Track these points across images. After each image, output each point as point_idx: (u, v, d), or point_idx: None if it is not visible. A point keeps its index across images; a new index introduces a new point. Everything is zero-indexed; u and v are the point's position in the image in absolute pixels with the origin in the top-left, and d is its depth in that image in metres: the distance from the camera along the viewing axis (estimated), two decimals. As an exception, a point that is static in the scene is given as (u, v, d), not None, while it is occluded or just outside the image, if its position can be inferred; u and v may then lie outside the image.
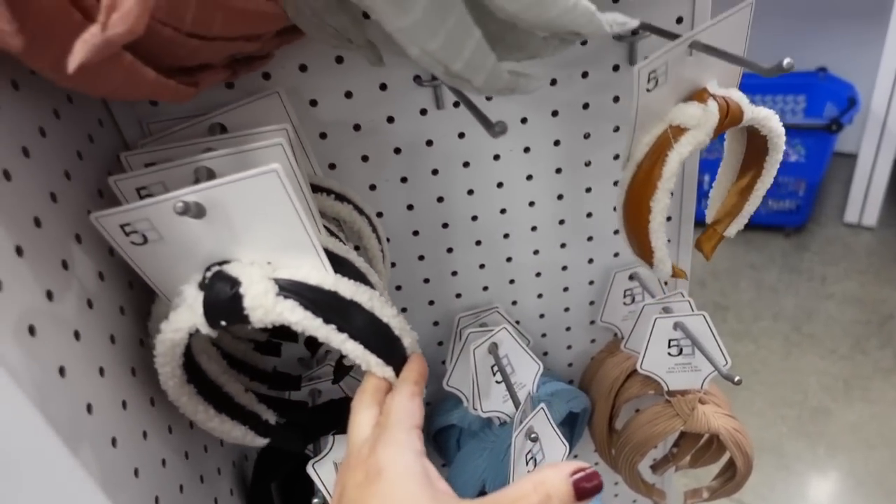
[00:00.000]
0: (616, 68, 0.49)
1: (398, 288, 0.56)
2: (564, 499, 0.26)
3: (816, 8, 1.81)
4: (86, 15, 0.28)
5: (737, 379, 0.46)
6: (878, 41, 1.56)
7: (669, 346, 0.53)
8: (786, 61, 0.34)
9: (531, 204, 0.54)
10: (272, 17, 0.34)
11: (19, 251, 0.28)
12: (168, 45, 0.32)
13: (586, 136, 0.51)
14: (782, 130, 0.43)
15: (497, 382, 0.53)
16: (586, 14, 0.27)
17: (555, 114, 0.50)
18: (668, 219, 0.58)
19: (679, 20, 0.47)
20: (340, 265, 0.35)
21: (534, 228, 0.55)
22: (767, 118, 0.42)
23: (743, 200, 0.46)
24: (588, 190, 0.55)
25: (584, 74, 0.48)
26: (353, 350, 0.33)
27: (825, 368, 1.54)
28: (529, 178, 0.52)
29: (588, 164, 0.53)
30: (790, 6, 1.74)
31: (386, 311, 0.35)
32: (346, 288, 0.33)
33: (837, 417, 1.42)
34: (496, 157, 0.51)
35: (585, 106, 0.50)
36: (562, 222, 0.56)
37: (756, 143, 0.45)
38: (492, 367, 0.53)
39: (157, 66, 0.32)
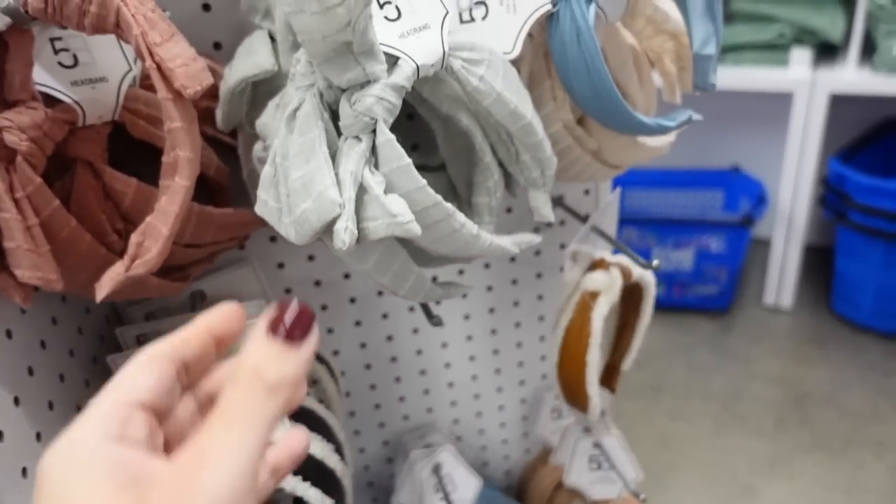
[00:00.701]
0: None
1: (352, 414, 0.63)
2: (275, 360, 0.22)
3: (728, 111, 2.03)
4: (109, 248, 0.36)
5: (642, 497, 0.54)
6: (782, 142, 1.76)
7: (590, 462, 0.61)
8: (654, 262, 0.44)
9: (469, 338, 0.62)
10: (255, 222, 0.42)
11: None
12: (168, 256, 0.39)
13: (514, 281, 0.61)
14: (653, 280, 0.53)
15: (440, 500, 0.59)
16: (499, 248, 0.36)
17: (487, 265, 0.59)
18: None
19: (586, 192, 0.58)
20: (307, 416, 0.42)
21: (471, 358, 0.64)
22: (643, 274, 0.52)
23: (629, 338, 0.56)
24: (517, 325, 0.63)
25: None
26: (313, 496, 0.40)
27: (752, 447, 1.65)
28: (467, 317, 0.61)
29: (516, 303, 0.62)
30: (705, 109, 1.93)
31: (332, 459, 0.42)
32: (317, 449, 0.40)
33: (764, 495, 1.52)
34: (438, 303, 0.59)
35: (512, 259, 0.59)
36: (496, 352, 0.64)
37: (632, 292, 0.55)
38: (435, 485, 0.60)
39: (156, 271, 0.39)
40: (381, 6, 0.32)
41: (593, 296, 0.50)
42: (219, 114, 0.41)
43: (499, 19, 0.40)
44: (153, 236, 0.34)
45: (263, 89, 0.41)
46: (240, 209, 0.42)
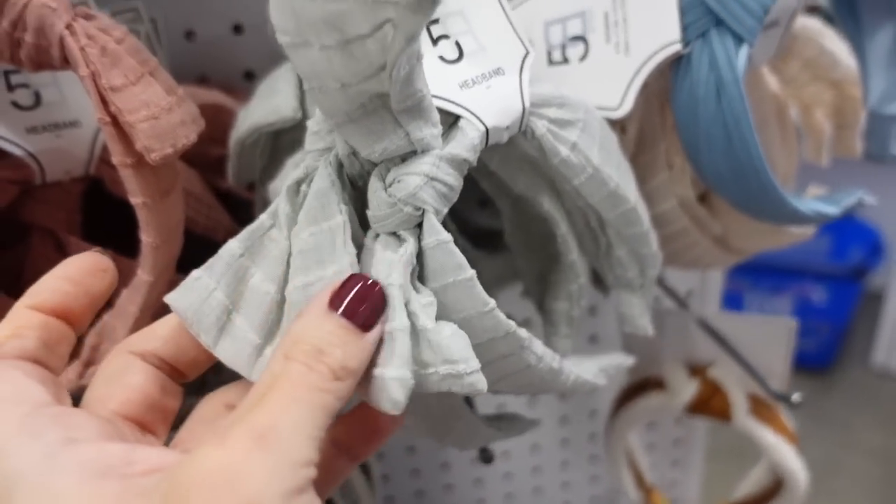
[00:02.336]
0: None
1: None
2: (339, 341, 0.18)
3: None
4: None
5: None
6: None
7: None
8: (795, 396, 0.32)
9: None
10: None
11: None
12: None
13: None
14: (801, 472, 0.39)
15: None
16: (584, 385, 0.25)
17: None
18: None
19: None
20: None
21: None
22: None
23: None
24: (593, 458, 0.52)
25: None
26: None
27: (851, 532, 1.45)
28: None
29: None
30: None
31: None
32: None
33: None
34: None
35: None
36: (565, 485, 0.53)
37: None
38: None
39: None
40: (435, 42, 0.22)
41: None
42: (229, 167, 0.32)
43: (603, 62, 0.29)
44: (111, 339, 0.25)
45: (286, 139, 0.31)
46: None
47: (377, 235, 0.21)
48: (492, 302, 0.20)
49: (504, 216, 0.30)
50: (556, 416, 0.48)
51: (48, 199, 0.28)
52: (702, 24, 0.26)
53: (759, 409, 0.38)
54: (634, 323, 0.30)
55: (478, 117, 0.21)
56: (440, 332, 0.19)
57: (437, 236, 0.20)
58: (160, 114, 0.23)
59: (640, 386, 0.40)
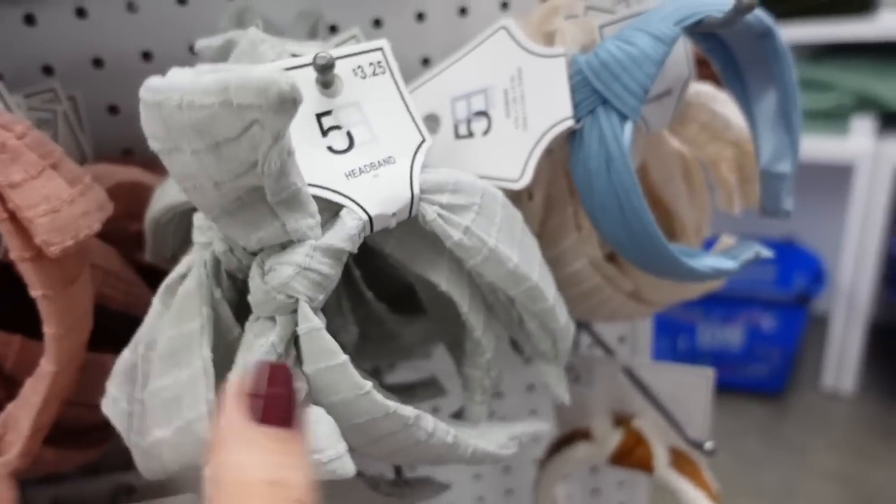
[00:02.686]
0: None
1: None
2: (286, 457, 0.16)
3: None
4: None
5: None
6: (842, 214, 1.62)
7: None
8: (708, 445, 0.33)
9: None
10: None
11: None
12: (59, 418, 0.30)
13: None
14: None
15: None
16: (486, 456, 0.26)
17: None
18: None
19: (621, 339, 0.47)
20: None
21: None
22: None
23: None
24: None
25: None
26: None
27: (811, 558, 1.47)
28: None
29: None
30: (755, 175, 1.80)
31: None
32: None
33: None
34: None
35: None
36: None
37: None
38: None
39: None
40: (325, 132, 0.23)
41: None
42: (147, 244, 0.33)
43: (504, 136, 0.30)
44: (16, 430, 0.25)
45: (201, 216, 0.32)
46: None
47: (257, 319, 0.22)
48: (367, 385, 0.21)
49: (417, 287, 0.31)
50: (470, 473, 0.48)
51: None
52: (590, 103, 0.28)
53: (680, 461, 0.39)
54: (552, 391, 0.31)
55: (361, 206, 0.22)
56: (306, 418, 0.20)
57: (309, 324, 0.21)
58: (61, 206, 0.23)
59: (568, 438, 0.41)
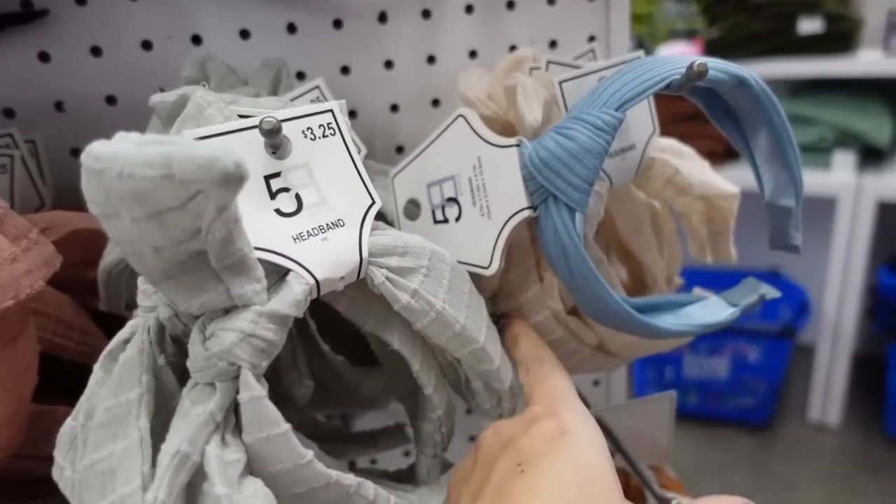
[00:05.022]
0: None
1: None
2: None
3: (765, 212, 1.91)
4: None
5: None
6: (825, 245, 1.62)
7: None
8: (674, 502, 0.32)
9: None
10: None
11: None
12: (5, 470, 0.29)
13: None
14: None
15: None
16: None
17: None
18: None
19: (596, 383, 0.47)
20: None
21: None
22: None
23: None
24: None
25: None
26: None
27: None
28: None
29: None
30: (742, 208, 1.80)
31: None
32: None
33: None
34: None
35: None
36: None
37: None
38: None
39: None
40: (274, 195, 0.23)
41: None
42: (100, 293, 0.32)
43: (473, 223, 0.30)
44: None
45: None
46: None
47: (195, 385, 0.21)
48: (308, 454, 0.20)
49: (370, 341, 0.30)
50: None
51: None
52: (541, 193, 0.28)
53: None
54: None
55: (308, 270, 0.22)
56: (242, 493, 0.19)
57: (251, 392, 0.20)
58: (2, 265, 0.23)
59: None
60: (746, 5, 1.48)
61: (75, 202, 0.40)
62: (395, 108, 0.43)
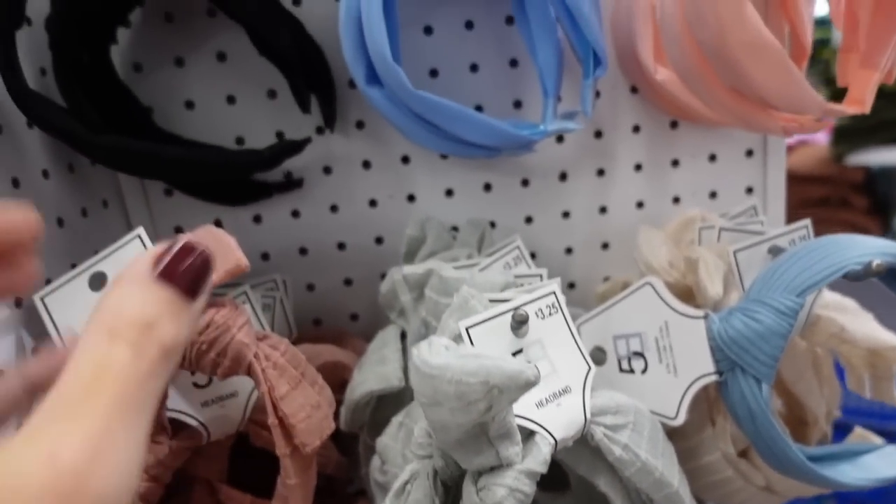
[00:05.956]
0: None
1: None
2: (169, 313, 0.18)
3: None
4: None
5: None
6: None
7: None
8: None
9: None
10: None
11: None
12: None
13: None
14: None
15: None
16: None
17: None
18: None
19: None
20: None
21: None
22: None
23: None
24: None
25: None
26: None
27: None
28: None
29: None
30: None
31: None
32: None
33: None
34: None
35: None
36: None
37: None
38: None
39: None
40: (518, 367, 0.29)
41: None
42: (343, 415, 0.40)
43: (659, 378, 0.35)
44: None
45: (390, 398, 0.39)
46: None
47: None
48: None
49: (570, 476, 0.35)
50: None
51: (209, 456, 0.35)
52: (728, 363, 0.32)
53: None
54: None
55: (549, 433, 0.28)
56: None
57: None
58: (312, 412, 0.30)
59: None
60: (882, 91, 1.45)
61: (307, 328, 0.48)
62: (569, 250, 0.49)
